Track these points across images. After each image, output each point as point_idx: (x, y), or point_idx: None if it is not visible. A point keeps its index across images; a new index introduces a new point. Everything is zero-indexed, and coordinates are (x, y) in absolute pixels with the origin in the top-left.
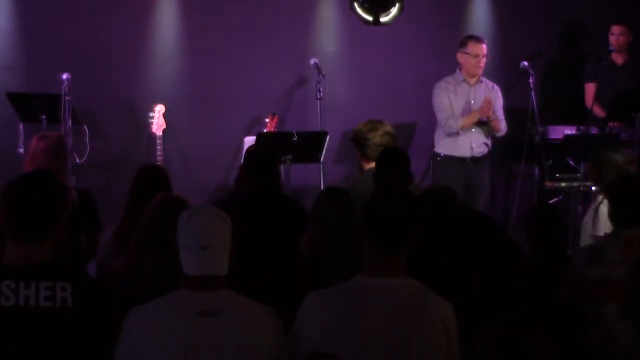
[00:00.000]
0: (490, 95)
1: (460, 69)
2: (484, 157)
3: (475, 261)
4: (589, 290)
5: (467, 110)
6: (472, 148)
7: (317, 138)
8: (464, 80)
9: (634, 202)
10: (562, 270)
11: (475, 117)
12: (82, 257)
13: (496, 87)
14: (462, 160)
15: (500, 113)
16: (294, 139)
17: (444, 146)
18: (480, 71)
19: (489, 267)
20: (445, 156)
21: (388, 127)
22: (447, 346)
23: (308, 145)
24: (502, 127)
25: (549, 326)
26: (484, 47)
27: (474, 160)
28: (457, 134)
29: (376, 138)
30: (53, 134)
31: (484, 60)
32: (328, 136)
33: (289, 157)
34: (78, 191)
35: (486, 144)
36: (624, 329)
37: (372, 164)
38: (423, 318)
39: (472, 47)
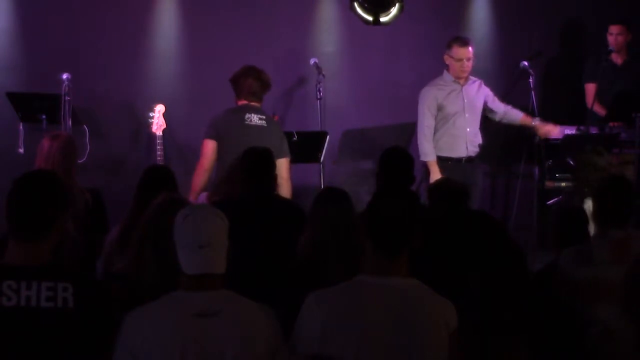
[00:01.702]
0: (481, 92)
1: (447, 70)
2: (477, 156)
3: (476, 261)
4: (579, 291)
5: (461, 111)
6: (467, 148)
7: (317, 138)
8: (454, 81)
9: (620, 202)
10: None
11: (434, 176)
12: (93, 256)
13: (481, 82)
14: (458, 161)
15: (497, 100)
16: (294, 138)
17: (441, 148)
18: (466, 74)
19: (490, 267)
20: (443, 158)
21: (264, 75)
22: (448, 346)
23: (308, 145)
24: (515, 111)
25: (546, 327)
26: (469, 51)
27: (469, 160)
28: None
29: (252, 83)
30: (63, 133)
31: (469, 63)
32: (328, 136)
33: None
34: (89, 191)
35: (479, 145)
36: (623, 329)
37: (243, 101)
38: (424, 317)
39: (456, 51)
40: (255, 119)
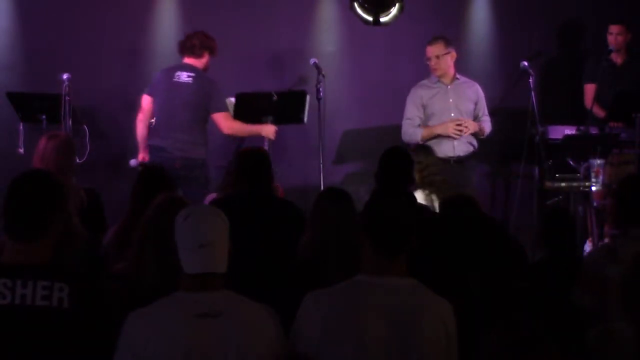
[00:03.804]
0: (471, 96)
1: None
2: (469, 157)
3: (476, 261)
4: (607, 289)
5: (446, 109)
6: (454, 148)
7: (298, 98)
8: (439, 80)
9: (638, 202)
10: (577, 271)
11: (437, 132)
12: (88, 256)
13: (477, 86)
14: (446, 161)
15: (484, 112)
16: (274, 98)
17: None
18: (438, 72)
19: (489, 267)
20: None
21: (208, 36)
22: (446, 345)
23: (289, 106)
24: (486, 129)
25: (559, 328)
26: (430, 49)
27: (458, 160)
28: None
29: (192, 40)
30: (61, 133)
31: (434, 61)
32: (308, 96)
33: (270, 118)
34: (86, 190)
35: (471, 144)
36: (623, 329)
37: (184, 58)
38: (422, 317)
39: (426, 51)
40: (184, 76)
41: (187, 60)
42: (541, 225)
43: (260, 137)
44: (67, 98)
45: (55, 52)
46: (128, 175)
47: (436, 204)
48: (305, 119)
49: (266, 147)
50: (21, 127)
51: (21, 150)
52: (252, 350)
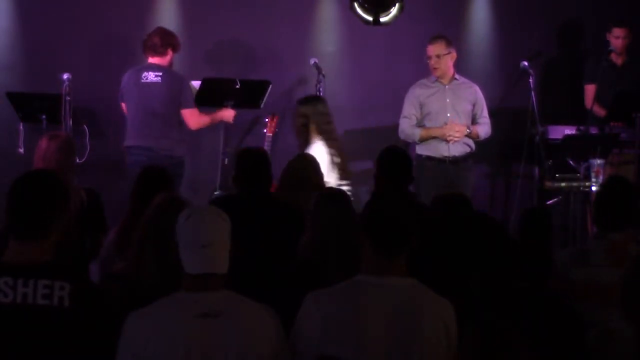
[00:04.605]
0: (469, 97)
1: None
2: (466, 157)
3: (477, 261)
4: (575, 291)
5: (442, 109)
6: (449, 148)
7: (259, 86)
8: (437, 80)
9: (619, 205)
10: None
11: (434, 134)
12: (86, 257)
13: (475, 87)
14: (441, 161)
15: (482, 114)
16: (237, 86)
17: (422, 147)
18: (438, 72)
19: (489, 267)
20: (425, 157)
21: (168, 32)
22: (446, 345)
23: (250, 93)
24: (483, 133)
25: (546, 325)
26: (431, 48)
27: (454, 161)
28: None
29: (154, 38)
30: (62, 133)
31: (435, 60)
32: (271, 85)
33: (231, 102)
34: (86, 190)
35: (467, 144)
36: (623, 329)
37: (148, 58)
38: (423, 317)
39: (427, 49)
40: (151, 76)
41: (152, 60)
42: (518, 224)
43: (260, 138)
44: (67, 98)
45: (55, 52)
46: (128, 175)
47: (335, 158)
48: (262, 105)
49: (266, 147)
50: (21, 127)
51: (21, 150)
52: (252, 350)
